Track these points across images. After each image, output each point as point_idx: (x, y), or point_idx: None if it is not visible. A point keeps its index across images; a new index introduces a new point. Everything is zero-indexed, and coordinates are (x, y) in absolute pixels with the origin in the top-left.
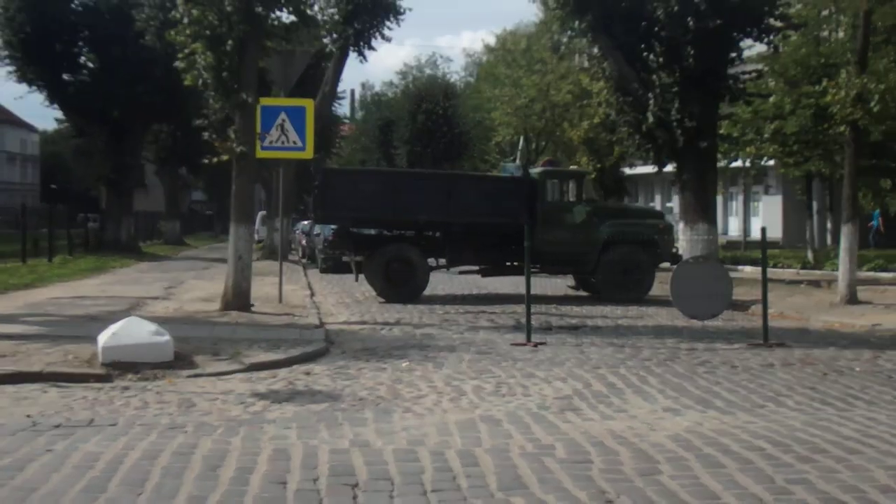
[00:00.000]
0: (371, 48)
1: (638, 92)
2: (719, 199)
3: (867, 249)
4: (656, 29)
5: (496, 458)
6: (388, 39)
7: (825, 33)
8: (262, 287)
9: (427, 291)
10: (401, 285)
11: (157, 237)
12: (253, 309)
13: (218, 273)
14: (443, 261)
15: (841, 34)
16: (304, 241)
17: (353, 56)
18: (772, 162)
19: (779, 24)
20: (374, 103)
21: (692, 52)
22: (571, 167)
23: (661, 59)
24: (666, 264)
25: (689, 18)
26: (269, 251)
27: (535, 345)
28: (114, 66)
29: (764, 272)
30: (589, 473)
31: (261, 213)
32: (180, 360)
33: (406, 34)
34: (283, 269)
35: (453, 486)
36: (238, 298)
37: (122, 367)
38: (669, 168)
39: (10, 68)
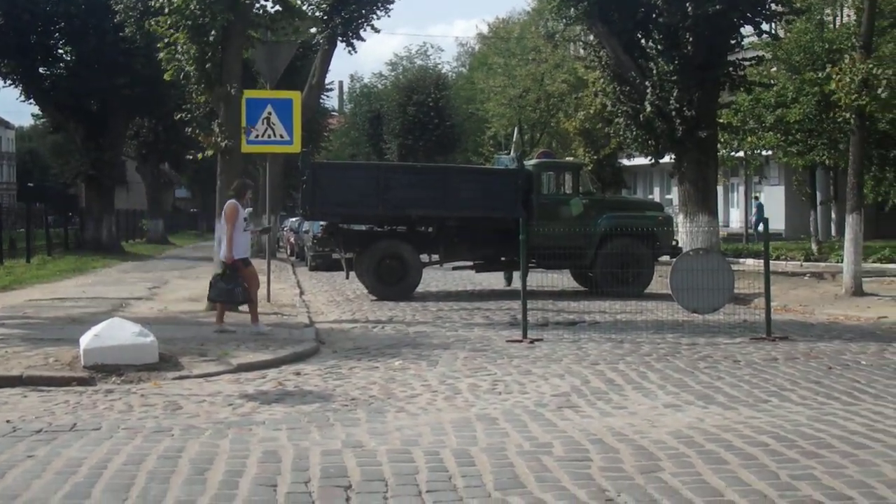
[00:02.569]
0: (360, 38)
1: (635, 81)
2: (720, 189)
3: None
4: (654, 15)
5: (493, 457)
6: (378, 30)
7: (829, 18)
8: None
9: (420, 288)
10: (393, 282)
11: (140, 236)
12: (240, 309)
13: (203, 272)
14: (436, 257)
15: (846, 18)
16: (292, 239)
17: (341, 47)
18: (770, 152)
19: (781, 8)
20: (363, 95)
21: (691, 38)
22: (567, 159)
23: (659, 47)
24: (665, 257)
25: (688, 4)
26: (256, 249)
27: (532, 341)
28: (91, 59)
29: (766, 264)
30: (588, 471)
31: (247, 210)
32: (165, 362)
33: (398, 23)
34: (270, 267)
35: (449, 486)
36: None
37: (104, 369)
38: (666, 159)
39: None
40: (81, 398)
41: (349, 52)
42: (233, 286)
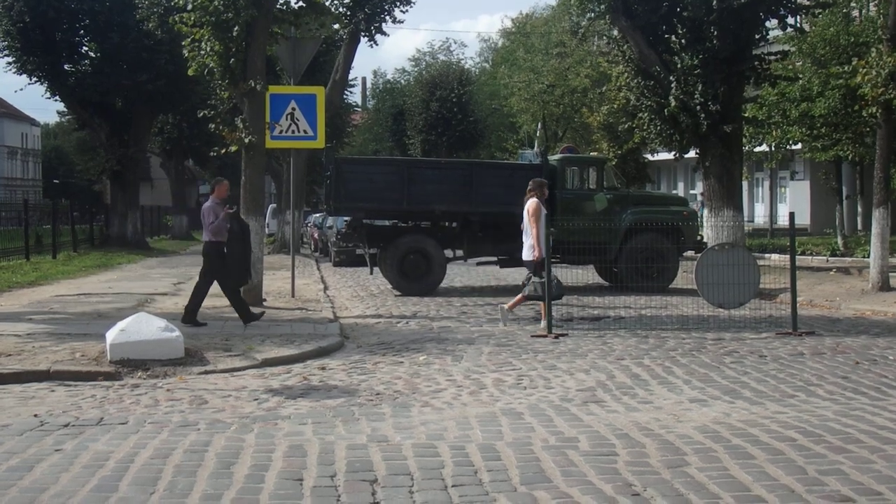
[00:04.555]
0: (382, 32)
1: (659, 75)
2: (745, 184)
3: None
4: (678, 9)
5: (518, 451)
6: (400, 22)
7: (854, 11)
8: (274, 282)
9: (444, 284)
10: (417, 278)
11: (164, 232)
12: (265, 304)
13: None
14: (460, 252)
15: (872, 10)
16: (316, 234)
17: (365, 43)
18: (798, 146)
19: (806, 2)
20: (386, 91)
21: (716, 32)
22: (591, 154)
23: (683, 41)
24: (690, 252)
25: None
26: (280, 245)
27: (557, 336)
28: (116, 55)
29: (792, 259)
30: (614, 466)
31: (271, 207)
32: (191, 357)
33: (421, 18)
34: (295, 262)
35: (474, 480)
36: (249, 293)
37: (131, 364)
38: (691, 154)
39: (10, 59)
40: (108, 393)
41: (370, 45)
42: (545, 282)
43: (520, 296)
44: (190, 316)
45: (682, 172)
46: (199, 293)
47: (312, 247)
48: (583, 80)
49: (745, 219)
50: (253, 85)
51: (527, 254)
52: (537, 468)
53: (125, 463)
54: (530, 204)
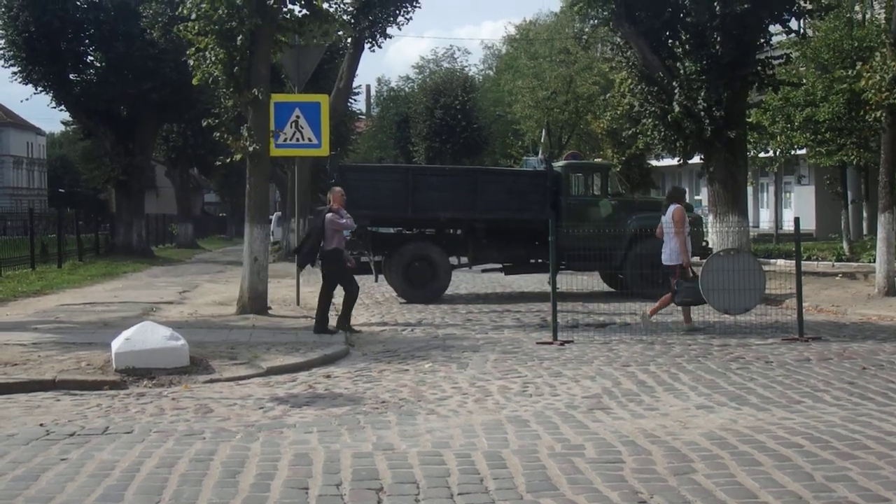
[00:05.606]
0: (386, 35)
1: (663, 81)
2: (749, 190)
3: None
4: (682, 14)
5: (524, 459)
6: (401, 27)
7: (858, 15)
8: (279, 290)
9: (449, 291)
10: (422, 285)
11: (170, 240)
12: (270, 312)
13: (233, 276)
14: (465, 259)
15: (876, 15)
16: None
17: (367, 48)
18: (803, 151)
19: (809, 6)
20: (390, 99)
21: (719, 37)
22: (596, 160)
23: (686, 46)
24: (695, 258)
25: (716, 2)
26: (285, 253)
27: (562, 343)
28: (121, 64)
29: (798, 264)
30: (621, 473)
31: (276, 215)
32: (196, 366)
33: (425, 25)
34: (300, 270)
35: (480, 488)
36: (255, 301)
37: (136, 373)
38: (695, 160)
39: (15, 69)
40: (113, 402)
41: (372, 50)
42: (695, 285)
43: (660, 301)
44: (343, 322)
45: (686, 178)
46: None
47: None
48: (590, 87)
49: (751, 224)
50: (257, 93)
51: (667, 258)
52: (543, 476)
53: (131, 472)
54: (675, 210)
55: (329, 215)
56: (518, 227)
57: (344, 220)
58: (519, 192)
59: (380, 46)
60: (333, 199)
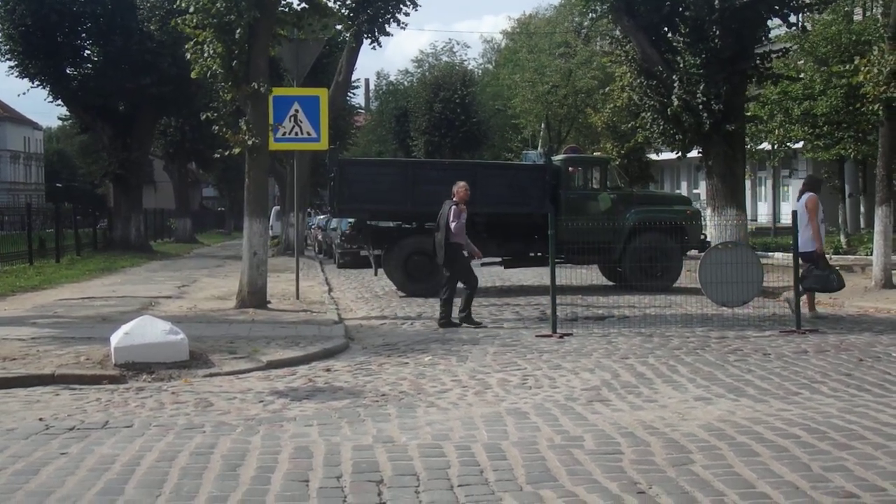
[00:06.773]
0: (386, 34)
1: (662, 74)
2: (747, 183)
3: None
4: (681, 8)
5: (524, 450)
6: (404, 26)
7: (857, 10)
8: (279, 284)
9: None
10: (421, 279)
11: (168, 235)
12: (269, 306)
13: (232, 271)
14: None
15: (878, 10)
16: (320, 236)
17: (367, 45)
18: (800, 144)
19: (808, 0)
20: (389, 93)
21: (718, 31)
22: (595, 154)
23: (686, 40)
24: (694, 251)
25: None
26: (284, 247)
27: (561, 336)
28: (118, 58)
29: (795, 257)
30: (620, 464)
31: (274, 209)
32: (196, 360)
33: (425, 19)
34: (299, 264)
35: (480, 479)
36: (254, 295)
37: (135, 367)
38: (694, 153)
39: (12, 63)
40: (113, 396)
41: (373, 47)
42: (827, 272)
43: (806, 293)
44: (466, 318)
45: (685, 172)
46: (451, 294)
47: (316, 249)
48: (590, 81)
49: (749, 217)
50: (256, 87)
51: (804, 245)
52: (543, 467)
53: (131, 466)
54: (808, 199)
55: (454, 208)
56: (517, 220)
57: (454, 222)
58: (518, 186)
59: (380, 45)
60: (457, 193)
